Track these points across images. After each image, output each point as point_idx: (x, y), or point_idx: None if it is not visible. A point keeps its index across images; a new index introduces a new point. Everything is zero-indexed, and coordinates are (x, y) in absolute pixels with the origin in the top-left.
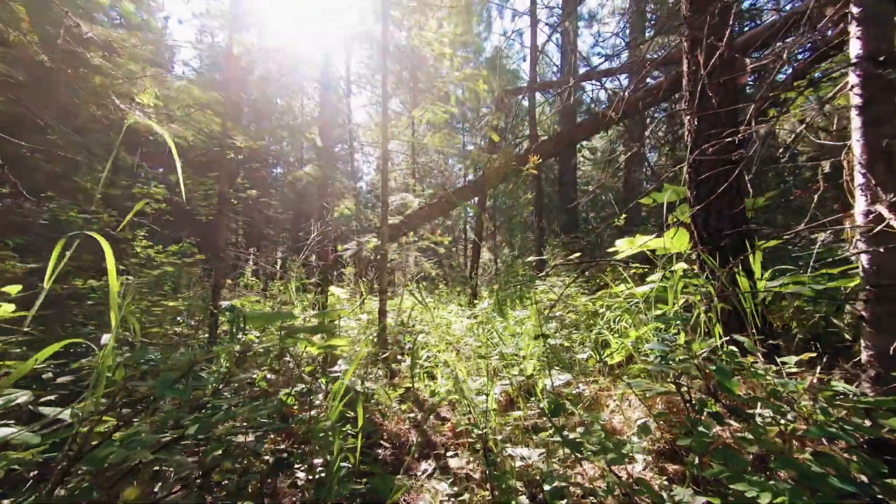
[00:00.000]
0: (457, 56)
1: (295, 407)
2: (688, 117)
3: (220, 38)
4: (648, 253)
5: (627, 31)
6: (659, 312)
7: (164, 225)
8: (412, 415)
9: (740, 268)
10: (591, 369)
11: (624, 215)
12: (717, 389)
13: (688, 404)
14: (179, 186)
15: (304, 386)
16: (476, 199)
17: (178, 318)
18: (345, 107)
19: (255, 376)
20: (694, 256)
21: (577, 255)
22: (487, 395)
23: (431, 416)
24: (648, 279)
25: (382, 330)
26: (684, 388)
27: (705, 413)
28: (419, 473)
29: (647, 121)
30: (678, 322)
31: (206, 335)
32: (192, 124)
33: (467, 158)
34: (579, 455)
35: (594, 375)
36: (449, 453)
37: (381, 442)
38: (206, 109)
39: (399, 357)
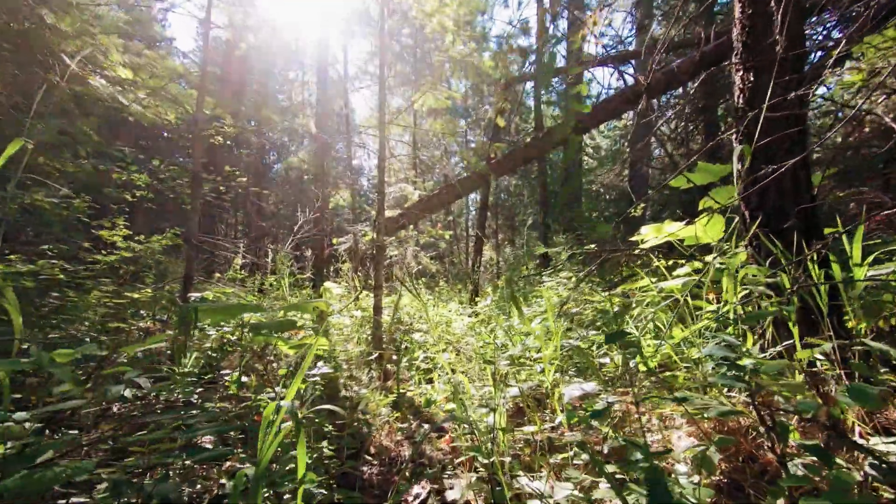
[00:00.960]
0: (461, 34)
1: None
2: (740, 72)
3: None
4: (676, 243)
5: (637, 15)
6: (711, 308)
7: (147, 213)
8: (404, 425)
9: (809, 255)
10: (611, 375)
11: (642, 205)
12: (834, 421)
13: (770, 432)
14: (163, 172)
15: (276, 391)
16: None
17: (142, 312)
18: (342, 91)
19: (227, 379)
20: (745, 242)
21: (593, 246)
22: (494, 410)
23: (426, 426)
24: (675, 273)
25: (377, 327)
26: (764, 411)
27: (791, 444)
28: (410, 499)
29: (656, 116)
30: (737, 321)
31: (177, 331)
32: (162, 94)
33: (470, 150)
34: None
35: (619, 384)
36: (447, 474)
37: (367, 457)
38: (187, 87)
39: (394, 357)
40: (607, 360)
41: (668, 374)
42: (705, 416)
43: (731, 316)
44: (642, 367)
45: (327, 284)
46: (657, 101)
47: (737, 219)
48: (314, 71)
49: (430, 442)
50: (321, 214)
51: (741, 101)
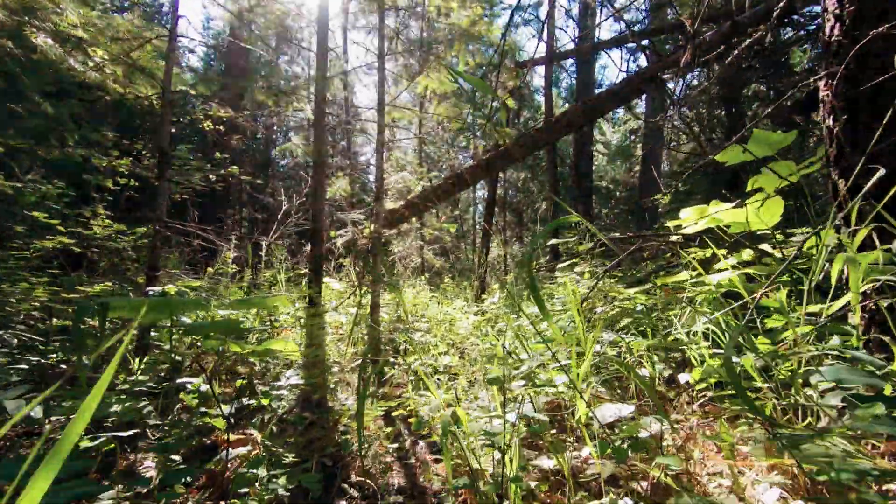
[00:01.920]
0: (466, 4)
1: (226, 434)
2: None
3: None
4: (718, 230)
5: None
6: (812, 310)
7: (131, 203)
8: (395, 445)
9: None
10: (646, 391)
11: (669, 191)
12: None
13: None
14: (148, 159)
15: (239, 404)
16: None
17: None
18: (342, 77)
19: (190, 386)
20: (841, 221)
21: (618, 235)
22: (504, 452)
23: (421, 445)
24: (717, 266)
25: (374, 327)
26: None
27: None
28: None
29: (676, 102)
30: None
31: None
32: (124, 61)
33: (485, 113)
34: None
35: (662, 406)
36: None
37: (347, 486)
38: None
39: (392, 359)
40: (644, 371)
41: (739, 398)
42: (837, 477)
43: (856, 320)
44: (700, 386)
45: (326, 280)
46: (683, 78)
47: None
48: (314, 56)
49: (425, 468)
50: (318, 204)
51: (836, 32)
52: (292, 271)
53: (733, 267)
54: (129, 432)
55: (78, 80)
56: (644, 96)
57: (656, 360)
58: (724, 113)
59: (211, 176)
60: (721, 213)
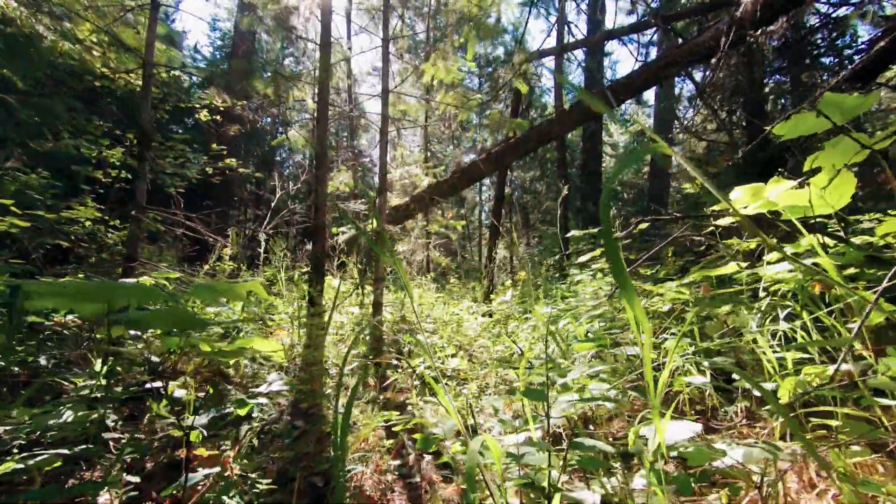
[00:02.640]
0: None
1: (197, 451)
2: None
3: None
4: (768, 214)
5: None
6: None
7: (123, 195)
8: (397, 461)
9: None
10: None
11: (698, 182)
12: None
13: None
14: (140, 152)
15: (216, 412)
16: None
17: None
18: (346, 69)
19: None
20: None
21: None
22: (550, 497)
23: (427, 460)
24: (766, 257)
25: (376, 327)
26: None
27: None
28: None
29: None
30: None
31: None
32: (104, 34)
33: (486, 123)
34: None
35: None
36: None
37: None
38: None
39: (395, 361)
40: (695, 378)
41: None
42: None
43: None
44: (786, 398)
45: (327, 279)
46: (721, 60)
47: None
48: (318, 51)
49: (432, 490)
50: (320, 199)
51: None
52: (293, 269)
53: (787, 258)
54: (76, 448)
55: (55, 54)
56: (652, 96)
57: (706, 366)
58: (740, 110)
59: (207, 168)
60: (780, 194)
